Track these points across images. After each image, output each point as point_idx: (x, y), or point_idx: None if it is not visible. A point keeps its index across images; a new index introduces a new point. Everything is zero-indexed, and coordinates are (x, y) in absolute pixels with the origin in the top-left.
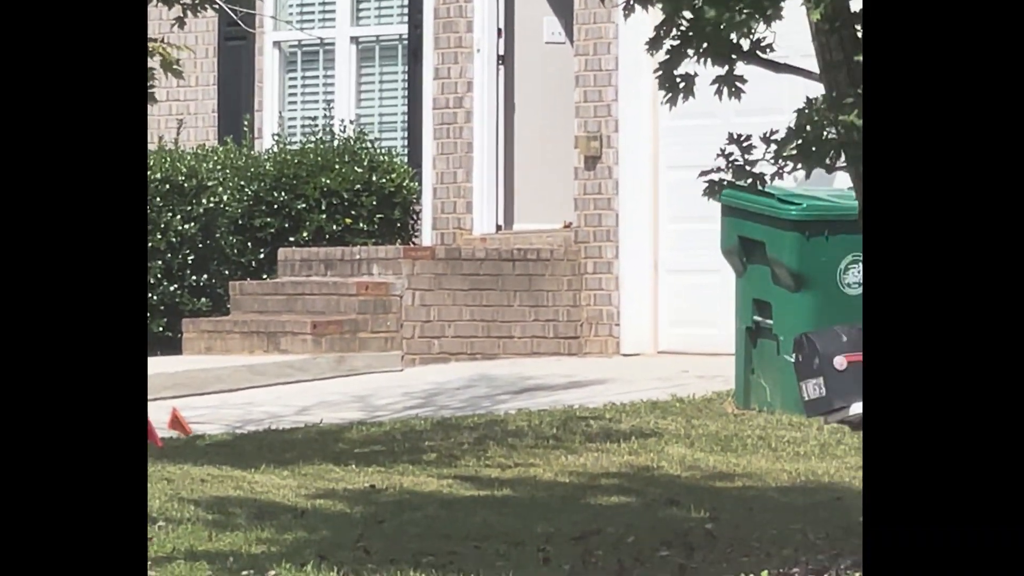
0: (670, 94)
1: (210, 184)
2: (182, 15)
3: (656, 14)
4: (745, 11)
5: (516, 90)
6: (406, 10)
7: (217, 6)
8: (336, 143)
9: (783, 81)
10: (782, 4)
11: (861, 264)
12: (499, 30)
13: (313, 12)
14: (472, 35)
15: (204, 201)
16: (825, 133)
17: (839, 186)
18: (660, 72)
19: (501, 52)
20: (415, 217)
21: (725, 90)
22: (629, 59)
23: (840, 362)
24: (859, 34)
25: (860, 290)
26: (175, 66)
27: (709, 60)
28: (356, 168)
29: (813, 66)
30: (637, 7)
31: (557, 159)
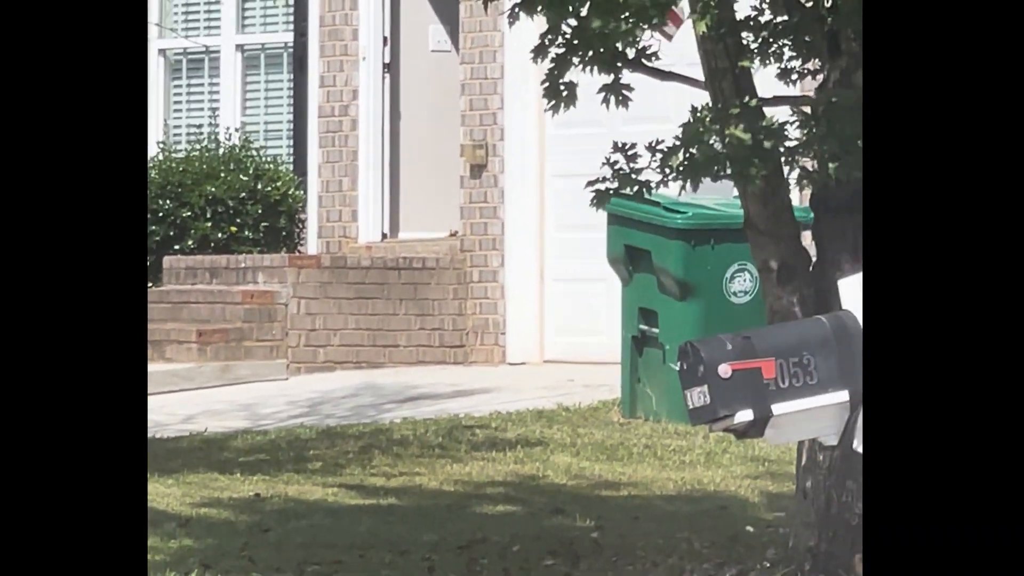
0: (554, 102)
1: None
2: None
3: (541, 22)
4: (630, 20)
5: (402, 98)
6: (291, 18)
7: None
8: (221, 151)
9: (669, 89)
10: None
11: (747, 272)
12: (385, 38)
13: (198, 20)
14: (358, 43)
15: None
16: (712, 144)
17: (726, 194)
18: (546, 81)
19: (387, 60)
20: (300, 225)
21: (612, 99)
22: (515, 67)
23: (725, 370)
24: (744, 41)
25: (746, 299)
26: None
27: (595, 68)
28: (241, 176)
29: (699, 74)
30: (522, 15)
31: (443, 167)
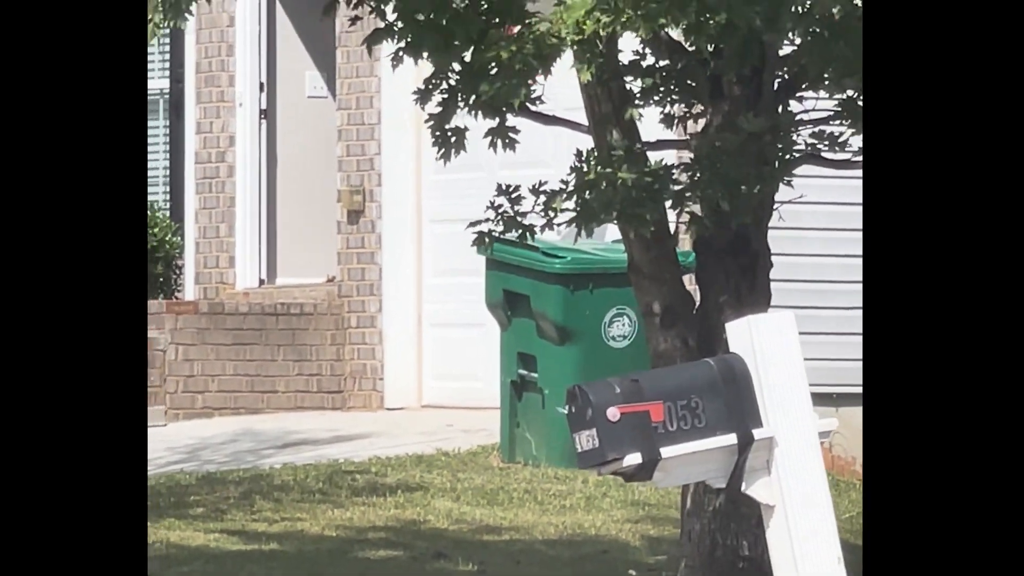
0: (443, 148)
1: None
2: None
3: (420, 67)
4: (515, 80)
5: (279, 144)
6: (167, 64)
7: None
8: None
9: (548, 133)
10: (553, 65)
11: (626, 317)
12: (261, 84)
13: None
14: (234, 89)
15: None
16: (603, 189)
17: (603, 238)
18: (431, 125)
19: (263, 106)
20: (178, 271)
21: (499, 142)
22: (392, 113)
23: (613, 413)
24: (627, 86)
25: (625, 343)
26: None
27: (480, 113)
28: None
29: (580, 118)
30: (407, 59)
31: (320, 213)
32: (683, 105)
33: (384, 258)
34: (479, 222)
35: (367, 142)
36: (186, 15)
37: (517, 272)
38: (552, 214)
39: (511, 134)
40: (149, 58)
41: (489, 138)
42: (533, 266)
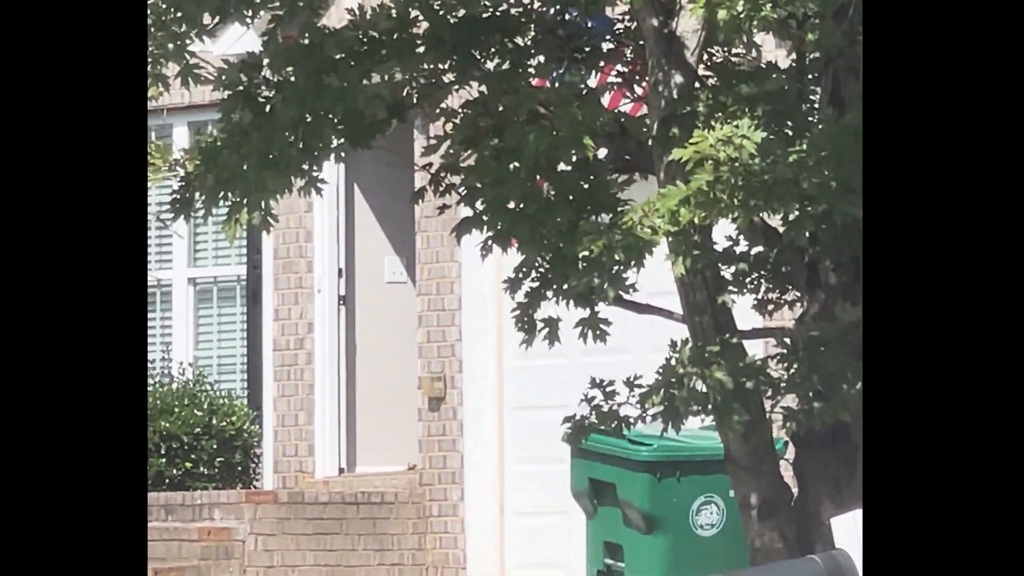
0: (529, 336)
1: None
2: None
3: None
4: (607, 273)
5: (358, 330)
6: (244, 251)
7: None
8: (175, 386)
9: (630, 319)
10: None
11: (714, 505)
12: (340, 270)
13: (149, 253)
14: (312, 275)
15: None
16: (693, 386)
17: (691, 425)
18: (518, 313)
19: (342, 292)
20: (256, 460)
21: (589, 333)
22: (473, 299)
23: None
24: (723, 273)
25: (713, 532)
26: None
27: (570, 302)
28: (196, 411)
29: (670, 303)
30: (495, 247)
31: (400, 400)
32: (777, 292)
33: (465, 445)
34: (573, 416)
35: (448, 328)
36: (270, 220)
37: (603, 460)
38: (648, 407)
39: (603, 325)
40: (225, 245)
41: (579, 328)
42: (619, 454)
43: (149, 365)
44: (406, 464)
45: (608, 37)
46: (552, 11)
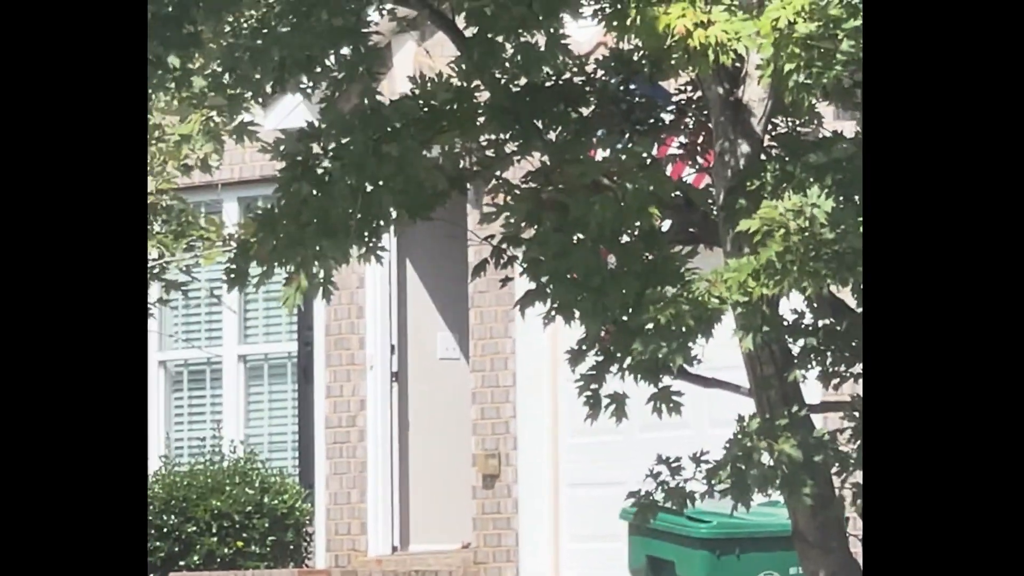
0: (593, 411)
1: None
2: None
3: (558, 329)
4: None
5: (410, 407)
6: (295, 327)
7: None
8: (226, 464)
9: (689, 394)
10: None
11: None
12: (392, 346)
13: (199, 330)
14: (364, 352)
15: None
16: (761, 461)
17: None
18: (581, 385)
19: (395, 369)
20: (308, 539)
21: (663, 407)
22: (527, 375)
23: None
24: (790, 347)
25: None
26: None
27: (637, 377)
28: (247, 489)
29: (731, 379)
30: (559, 318)
31: (454, 477)
32: (843, 365)
33: (520, 523)
34: (637, 492)
35: (502, 404)
36: (330, 287)
37: (661, 537)
38: (715, 482)
39: (675, 398)
40: (276, 322)
41: (651, 403)
42: (677, 531)
43: (200, 442)
44: (460, 542)
45: (668, 108)
46: (614, 80)
